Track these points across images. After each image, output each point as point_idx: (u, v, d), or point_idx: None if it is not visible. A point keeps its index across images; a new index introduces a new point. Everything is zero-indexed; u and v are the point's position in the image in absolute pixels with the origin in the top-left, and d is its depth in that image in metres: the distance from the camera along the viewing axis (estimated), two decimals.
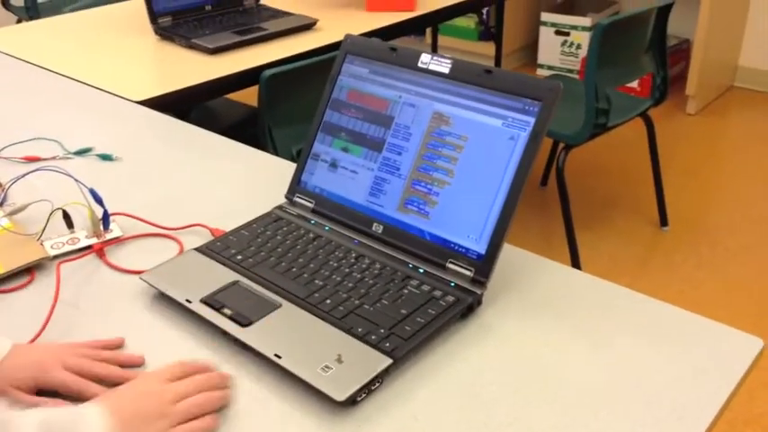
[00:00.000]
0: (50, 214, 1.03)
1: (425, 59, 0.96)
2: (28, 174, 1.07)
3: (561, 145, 2.26)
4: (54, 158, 1.27)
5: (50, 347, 0.81)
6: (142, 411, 0.71)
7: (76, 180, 1.02)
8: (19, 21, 3.36)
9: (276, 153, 1.73)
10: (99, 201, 1.03)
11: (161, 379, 0.74)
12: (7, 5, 3.37)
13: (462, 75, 0.93)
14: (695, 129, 3.28)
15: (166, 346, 0.83)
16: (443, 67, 0.95)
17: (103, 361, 0.79)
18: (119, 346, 0.83)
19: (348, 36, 1.04)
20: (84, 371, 0.77)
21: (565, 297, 0.90)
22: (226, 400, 0.75)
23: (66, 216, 1.03)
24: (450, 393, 0.76)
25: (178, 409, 0.72)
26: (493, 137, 0.89)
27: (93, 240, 1.02)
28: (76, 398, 0.75)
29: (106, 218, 1.03)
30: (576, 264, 2.27)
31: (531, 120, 0.87)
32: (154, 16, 1.95)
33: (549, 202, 2.72)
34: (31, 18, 3.12)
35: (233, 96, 2.03)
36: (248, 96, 1.77)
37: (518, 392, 0.76)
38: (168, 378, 0.74)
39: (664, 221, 2.55)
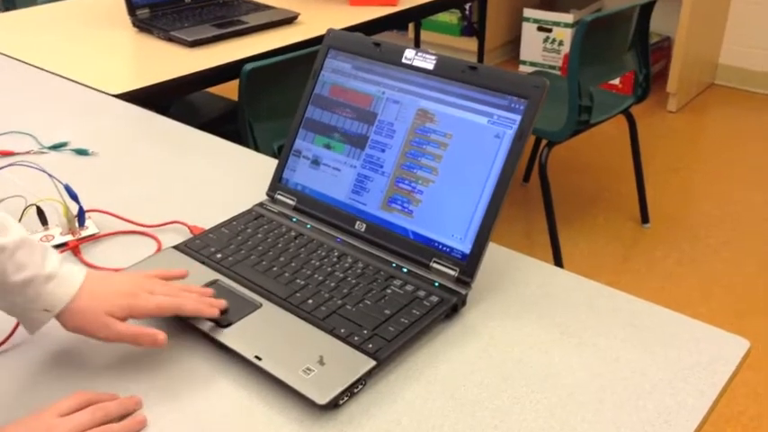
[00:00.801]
0: (24, 210, 1.00)
1: (409, 55, 0.95)
2: (1, 169, 1.04)
3: (544, 142, 2.25)
4: (29, 153, 1.24)
5: (125, 276, 0.83)
6: None
7: (51, 176, 0.99)
8: None
9: (257, 149, 1.71)
10: (74, 197, 1.00)
11: (53, 414, 0.70)
12: None
13: (447, 71, 0.92)
14: (676, 126, 3.29)
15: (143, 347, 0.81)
16: (428, 63, 0.93)
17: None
18: (183, 276, 0.87)
19: (330, 30, 1.02)
20: (172, 293, 0.80)
21: (549, 296, 0.89)
22: (130, 429, 0.71)
23: (41, 212, 1.01)
24: (434, 395, 0.75)
25: (64, 426, 0.68)
26: (478, 134, 0.88)
27: (69, 237, 0.99)
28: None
29: (81, 214, 1.00)
30: (557, 260, 2.26)
31: (517, 117, 0.86)
32: (132, 8, 1.91)
33: (532, 198, 2.72)
34: (6, 9, 3.07)
35: (214, 90, 2.00)
36: (230, 90, 1.75)
37: (503, 394, 0.75)
38: (61, 412, 0.70)
39: (645, 218, 2.56)
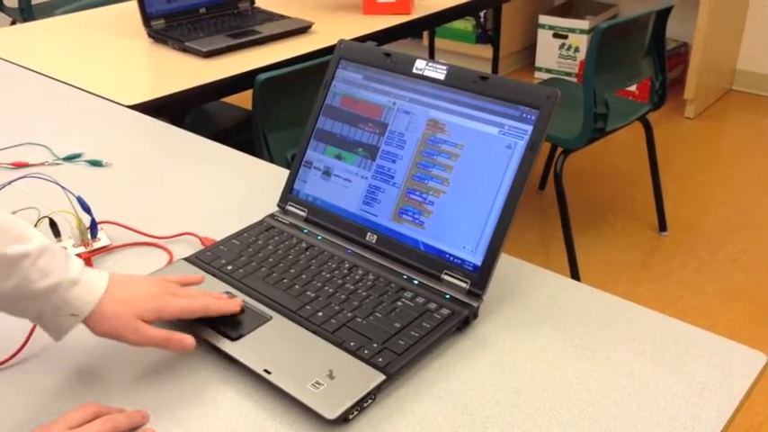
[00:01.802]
0: (37, 222, 1.01)
1: (420, 65, 0.94)
2: (14, 181, 1.05)
3: (559, 149, 2.24)
4: (43, 164, 1.25)
5: (147, 279, 0.83)
6: None
7: (63, 188, 1.00)
8: (13, 22, 3.34)
9: (271, 158, 1.71)
10: (86, 209, 1.01)
11: (62, 426, 0.70)
12: (1, 7, 3.35)
13: (458, 81, 0.91)
14: (694, 133, 3.26)
15: (153, 359, 0.81)
16: (438, 73, 0.93)
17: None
18: (200, 282, 0.88)
19: (342, 41, 1.02)
20: (195, 295, 0.82)
21: (562, 309, 0.88)
22: None
23: (53, 224, 1.01)
24: (445, 410, 0.74)
25: None
26: (489, 145, 0.87)
27: (81, 249, 0.99)
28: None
29: (94, 226, 1.01)
30: (574, 269, 2.25)
31: (529, 128, 0.85)
32: (147, 19, 1.93)
33: (548, 206, 2.70)
34: (25, 20, 3.10)
35: (230, 100, 2.01)
36: (247, 99, 1.75)
37: (515, 409, 0.74)
38: (70, 425, 0.70)
39: (663, 226, 2.53)
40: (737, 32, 3.48)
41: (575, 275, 2.24)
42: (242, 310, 0.84)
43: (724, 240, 2.49)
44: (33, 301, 0.74)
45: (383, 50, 0.98)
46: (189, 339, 0.77)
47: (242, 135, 2.02)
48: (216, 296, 0.84)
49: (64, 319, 0.75)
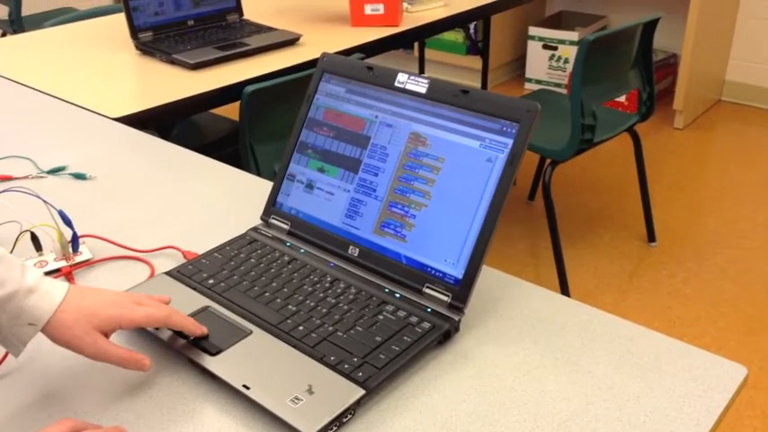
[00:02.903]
0: (18, 236, 1.00)
1: (402, 79, 0.94)
2: None
3: (548, 160, 2.24)
4: (27, 177, 1.24)
5: (113, 291, 0.81)
6: None
7: (45, 201, 0.99)
8: (3, 34, 3.34)
9: (258, 170, 1.71)
10: (68, 222, 1.00)
11: None
12: None
13: (439, 95, 0.91)
14: (683, 143, 3.28)
15: (131, 374, 0.80)
16: (420, 86, 0.93)
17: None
18: (166, 302, 0.84)
19: (324, 54, 1.02)
20: (160, 306, 0.80)
21: (544, 322, 0.88)
22: None
23: (35, 238, 1.01)
24: (425, 425, 0.74)
25: None
26: (470, 158, 0.87)
27: (62, 263, 0.99)
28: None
29: (75, 240, 1.00)
30: (562, 279, 2.25)
31: (509, 141, 0.85)
32: (135, 31, 1.93)
33: (537, 216, 2.71)
34: (15, 31, 3.10)
35: (219, 111, 2.01)
36: (234, 111, 1.75)
37: (495, 424, 0.74)
38: None
39: (651, 237, 2.54)
40: (726, 43, 3.50)
41: (563, 286, 2.24)
42: (205, 336, 0.82)
43: (713, 250, 2.50)
44: None
45: (365, 64, 0.99)
46: (146, 361, 0.76)
47: (230, 147, 2.02)
48: (183, 315, 0.82)
49: (22, 329, 0.74)
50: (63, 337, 0.75)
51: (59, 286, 0.77)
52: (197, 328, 0.82)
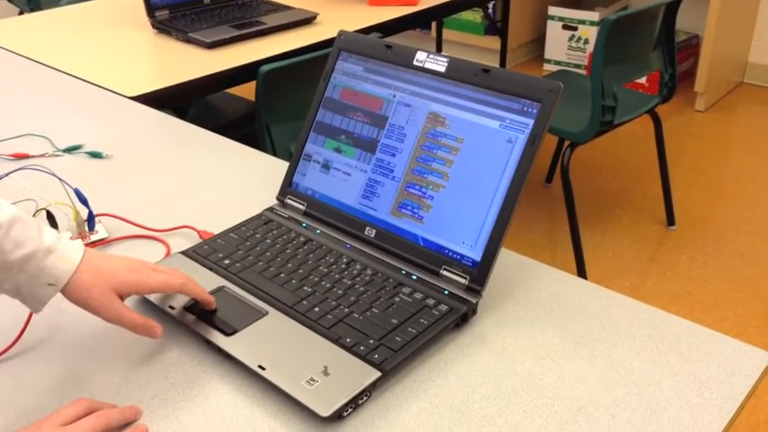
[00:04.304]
0: (34, 215, 1.00)
1: (421, 57, 0.93)
2: (11, 173, 1.04)
3: (567, 142, 2.21)
4: (43, 156, 1.24)
5: (126, 257, 0.81)
6: None
7: (61, 180, 0.99)
8: (21, 12, 3.34)
9: (274, 150, 1.70)
10: (84, 201, 1.00)
11: (54, 423, 0.69)
12: None
13: (459, 74, 0.90)
14: (704, 126, 3.23)
15: (146, 354, 0.80)
16: (439, 65, 0.91)
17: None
18: None
19: (342, 32, 1.01)
20: (175, 274, 0.80)
21: (563, 305, 0.87)
22: None
23: (51, 216, 1.00)
24: (441, 408, 0.73)
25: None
26: (490, 139, 0.86)
27: (78, 242, 0.98)
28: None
29: (91, 219, 1.00)
30: (580, 263, 2.23)
31: (530, 121, 0.84)
32: (151, 9, 1.91)
33: (555, 199, 2.68)
34: (32, 9, 3.10)
35: (235, 91, 2.00)
36: (249, 90, 1.74)
37: (512, 407, 0.73)
38: (63, 421, 0.69)
39: (671, 220, 2.51)
40: (749, 25, 3.44)
41: (581, 270, 2.22)
42: (214, 311, 0.83)
43: (733, 235, 2.47)
44: (9, 273, 0.73)
45: (384, 42, 0.97)
46: (158, 329, 0.77)
47: (246, 127, 2.01)
48: (196, 284, 0.83)
49: (41, 288, 0.74)
50: (80, 297, 0.75)
51: (77, 247, 0.77)
52: (210, 300, 0.82)
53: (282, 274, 0.88)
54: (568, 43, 3.70)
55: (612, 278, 2.25)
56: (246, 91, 1.97)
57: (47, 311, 0.78)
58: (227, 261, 0.91)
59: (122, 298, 0.77)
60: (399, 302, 0.83)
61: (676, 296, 2.17)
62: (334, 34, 1.01)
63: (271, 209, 1.02)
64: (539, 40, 3.89)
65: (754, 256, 2.36)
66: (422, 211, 0.89)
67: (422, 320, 0.81)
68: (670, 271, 2.30)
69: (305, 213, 0.99)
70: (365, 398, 0.73)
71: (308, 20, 1.97)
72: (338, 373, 0.74)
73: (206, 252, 0.93)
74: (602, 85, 2.04)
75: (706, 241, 2.44)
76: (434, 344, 0.80)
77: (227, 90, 1.89)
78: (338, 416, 0.70)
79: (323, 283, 0.87)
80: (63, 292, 0.75)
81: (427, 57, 0.92)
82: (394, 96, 0.94)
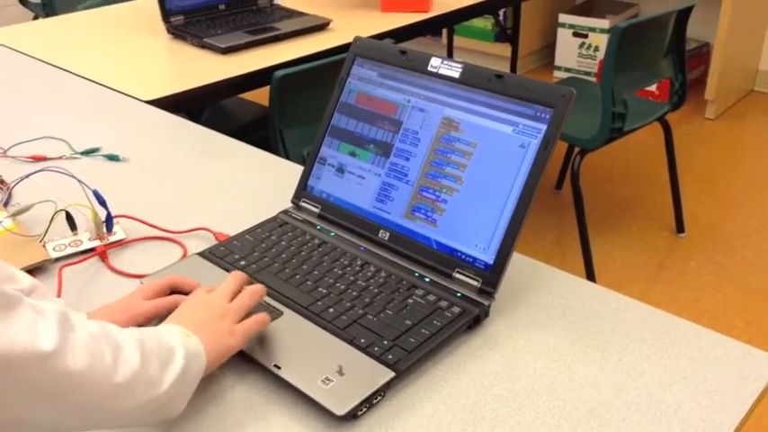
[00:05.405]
0: (53, 216, 1.02)
1: (435, 63, 0.94)
2: (31, 174, 1.06)
3: (576, 149, 2.22)
4: (61, 158, 1.26)
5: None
6: (204, 317, 0.76)
7: (80, 181, 1.01)
8: (36, 17, 3.37)
9: (287, 155, 1.72)
10: (102, 202, 1.02)
11: (223, 300, 0.79)
12: (24, 2, 3.38)
13: (473, 79, 0.91)
14: (714, 134, 3.23)
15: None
16: (454, 71, 0.92)
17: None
18: (195, 287, 0.86)
19: (357, 38, 1.02)
20: (163, 296, 0.84)
21: (575, 309, 0.88)
22: (265, 320, 0.80)
23: (70, 217, 1.02)
24: (454, 409, 0.74)
25: (233, 307, 0.78)
26: (503, 144, 0.87)
27: (96, 243, 1.00)
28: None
29: (109, 220, 1.01)
30: (589, 269, 2.23)
31: (543, 127, 0.85)
32: (166, 15, 1.94)
33: (564, 206, 2.69)
34: (47, 15, 3.13)
35: (247, 96, 2.02)
36: (264, 96, 1.76)
37: (524, 409, 0.74)
38: (227, 297, 0.79)
39: (680, 228, 2.51)
40: (760, 33, 3.44)
41: (590, 276, 2.23)
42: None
43: (742, 243, 2.47)
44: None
45: (399, 48, 0.98)
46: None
47: (259, 132, 2.02)
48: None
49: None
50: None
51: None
52: (194, 283, 0.86)
53: (298, 276, 0.90)
54: (579, 51, 3.71)
55: (621, 285, 2.26)
56: (258, 96, 1.99)
57: None
58: (242, 263, 0.93)
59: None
60: (413, 304, 0.85)
61: (685, 303, 2.17)
62: (347, 40, 1.03)
63: (286, 211, 1.03)
64: (549, 48, 3.90)
65: (764, 264, 2.36)
66: (435, 214, 0.91)
67: (435, 322, 0.82)
68: (679, 278, 2.30)
69: (319, 216, 1.01)
70: (379, 398, 0.74)
71: (321, 26, 1.99)
72: (353, 372, 0.75)
73: (222, 254, 0.95)
74: (613, 92, 2.05)
75: (715, 249, 2.44)
76: (447, 345, 0.81)
77: (239, 95, 1.91)
78: (353, 415, 0.72)
79: (337, 284, 0.88)
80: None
81: (441, 62, 0.94)
82: (408, 101, 0.96)
